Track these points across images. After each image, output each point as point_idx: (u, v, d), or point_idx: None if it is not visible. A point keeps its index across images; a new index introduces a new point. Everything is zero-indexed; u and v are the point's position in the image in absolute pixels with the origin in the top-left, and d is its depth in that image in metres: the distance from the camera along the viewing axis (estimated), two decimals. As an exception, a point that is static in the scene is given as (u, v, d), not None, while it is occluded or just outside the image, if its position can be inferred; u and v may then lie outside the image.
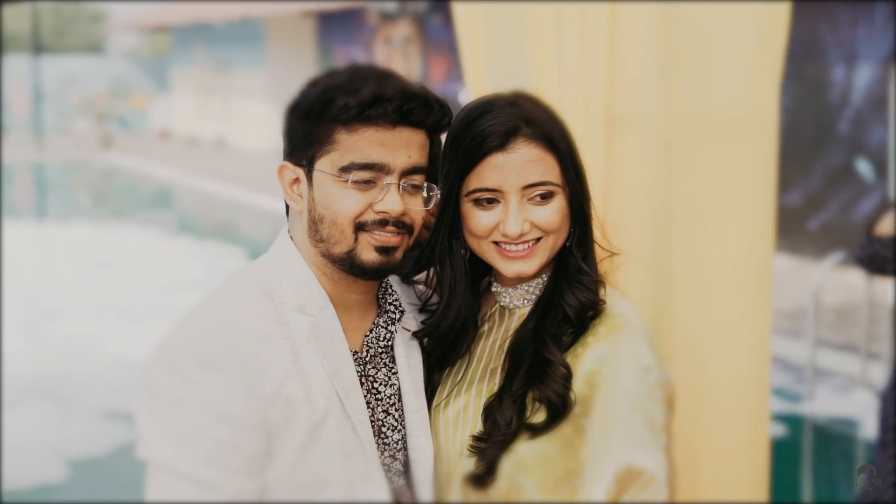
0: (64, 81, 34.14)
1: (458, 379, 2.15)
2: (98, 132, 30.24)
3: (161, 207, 22.06)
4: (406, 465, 2.11)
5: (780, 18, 2.37)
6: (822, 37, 11.96)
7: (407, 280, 2.21)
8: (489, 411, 2.04)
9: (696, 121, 2.38)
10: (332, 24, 24.58)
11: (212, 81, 30.37)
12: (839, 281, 9.86)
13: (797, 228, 12.23)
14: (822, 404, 7.81)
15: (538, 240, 2.07)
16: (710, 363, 2.41)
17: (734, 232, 2.38)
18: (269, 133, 24.39)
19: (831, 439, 7.54)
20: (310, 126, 1.97)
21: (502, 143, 2.02)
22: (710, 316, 2.40)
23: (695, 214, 2.39)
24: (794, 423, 7.58)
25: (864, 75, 11.64)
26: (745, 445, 2.43)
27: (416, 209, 2.01)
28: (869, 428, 7.06)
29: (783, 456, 7.05)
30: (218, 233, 17.74)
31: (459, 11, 2.58)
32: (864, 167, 11.64)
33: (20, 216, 19.32)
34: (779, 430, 7.37)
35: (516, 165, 2.03)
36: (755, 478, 2.44)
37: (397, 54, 22.23)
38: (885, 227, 3.94)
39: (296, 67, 24.63)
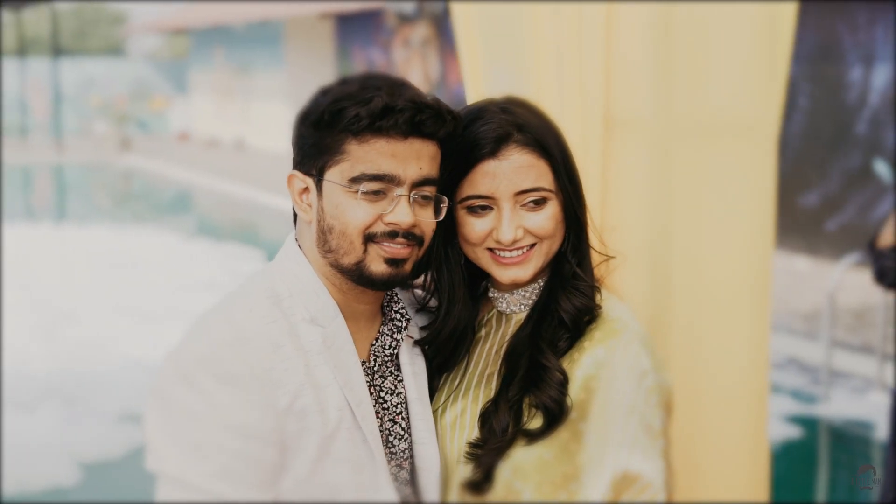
0: (84, 84, 34.25)
1: (456, 385, 2.14)
2: (117, 134, 30.35)
3: (180, 209, 22.09)
4: (412, 473, 2.10)
5: (783, 19, 2.33)
6: (839, 38, 11.91)
7: (404, 285, 2.20)
8: (485, 417, 2.04)
9: (695, 123, 2.36)
10: (351, 26, 24.61)
11: (231, 83, 30.44)
12: (856, 282, 9.81)
13: (815, 229, 12.19)
14: (838, 406, 7.78)
15: (532, 246, 2.07)
16: (710, 365, 2.39)
17: (733, 234, 2.36)
18: (289, 134, 24.40)
19: (847, 441, 7.51)
20: (320, 136, 1.95)
21: (494, 149, 2.02)
22: (709, 318, 2.38)
23: (694, 217, 2.37)
24: (809, 424, 7.55)
25: (881, 76, 11.59)
26: (744, 447, 2.41)
27: (427, 221, 1.99)
28: (885, 430, 7.02)
29: (798, 458, 7.04)
30: (237, 234, 17.75)
31: (457, 13, 2.56)
32: (881, 168, 11.59)
33: (39, 218, 19.40)
34: (794, 431, 7.35)
35: (508, 172, 2.02)
36: (755, 479, 2.43)
37: (415, 56, 22.24)
38: (885, 238, 3.94)
39: (314, 69, 24.70)
